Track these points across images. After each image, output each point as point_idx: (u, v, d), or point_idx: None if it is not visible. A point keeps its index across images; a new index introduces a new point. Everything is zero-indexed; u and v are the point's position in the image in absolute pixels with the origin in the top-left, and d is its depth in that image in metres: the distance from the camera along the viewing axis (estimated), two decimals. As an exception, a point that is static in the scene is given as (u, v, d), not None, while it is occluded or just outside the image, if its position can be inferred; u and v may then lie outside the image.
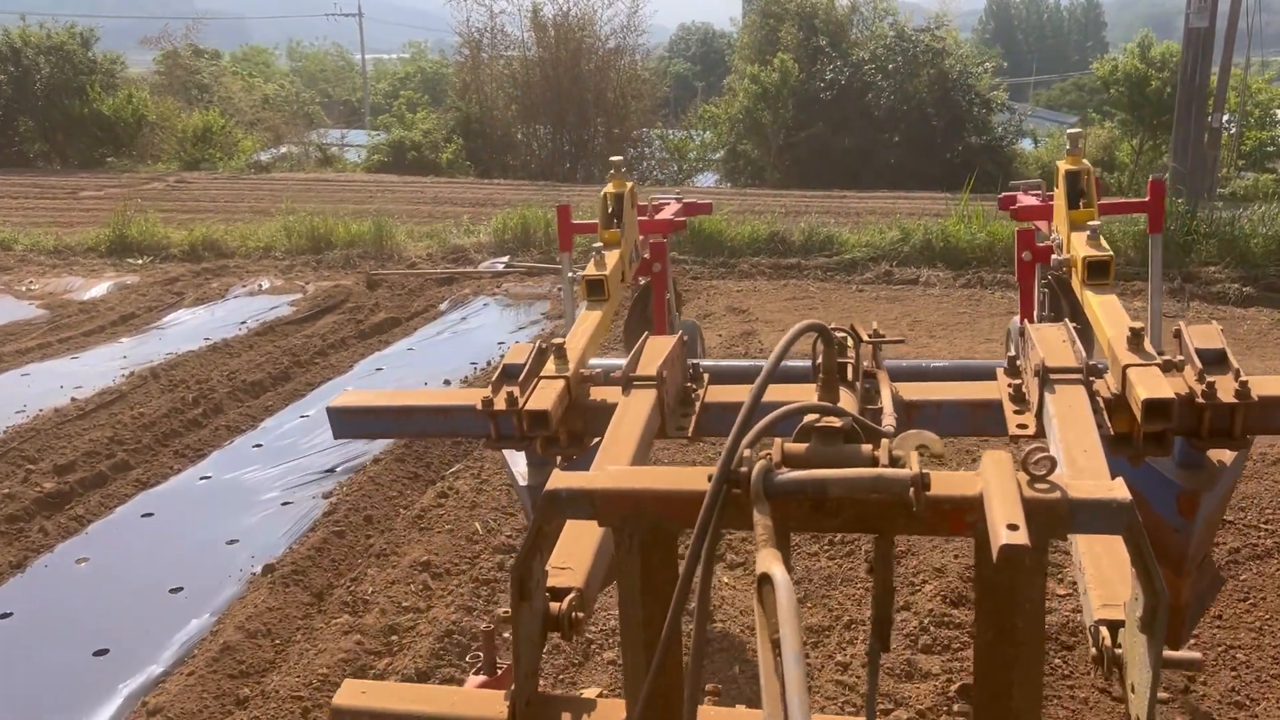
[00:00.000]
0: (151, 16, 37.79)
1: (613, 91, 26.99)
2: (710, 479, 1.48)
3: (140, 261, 13.06)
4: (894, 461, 1.52)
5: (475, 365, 8.33)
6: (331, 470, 6.14)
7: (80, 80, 26.68)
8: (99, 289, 11.58)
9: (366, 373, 8.29)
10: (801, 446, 1.60)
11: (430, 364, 8.55)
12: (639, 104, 27.67)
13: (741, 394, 2.85)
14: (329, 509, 5.56)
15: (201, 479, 6.14)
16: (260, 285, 11.62)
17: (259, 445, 6.65)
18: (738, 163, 26.92)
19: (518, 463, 3.27)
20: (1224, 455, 2.78)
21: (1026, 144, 27.19)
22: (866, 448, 1.59)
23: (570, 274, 4.58)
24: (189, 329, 9.78)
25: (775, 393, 2.07)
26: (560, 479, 1.61)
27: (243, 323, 9.83)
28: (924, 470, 1.42)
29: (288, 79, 45.31)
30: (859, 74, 25.51)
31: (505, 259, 12.31)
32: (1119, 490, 1.43)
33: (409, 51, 49.12)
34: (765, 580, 1.30)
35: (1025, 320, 4.25)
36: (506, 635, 1.71)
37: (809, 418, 1.64)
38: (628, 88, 27.32)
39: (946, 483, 1.47)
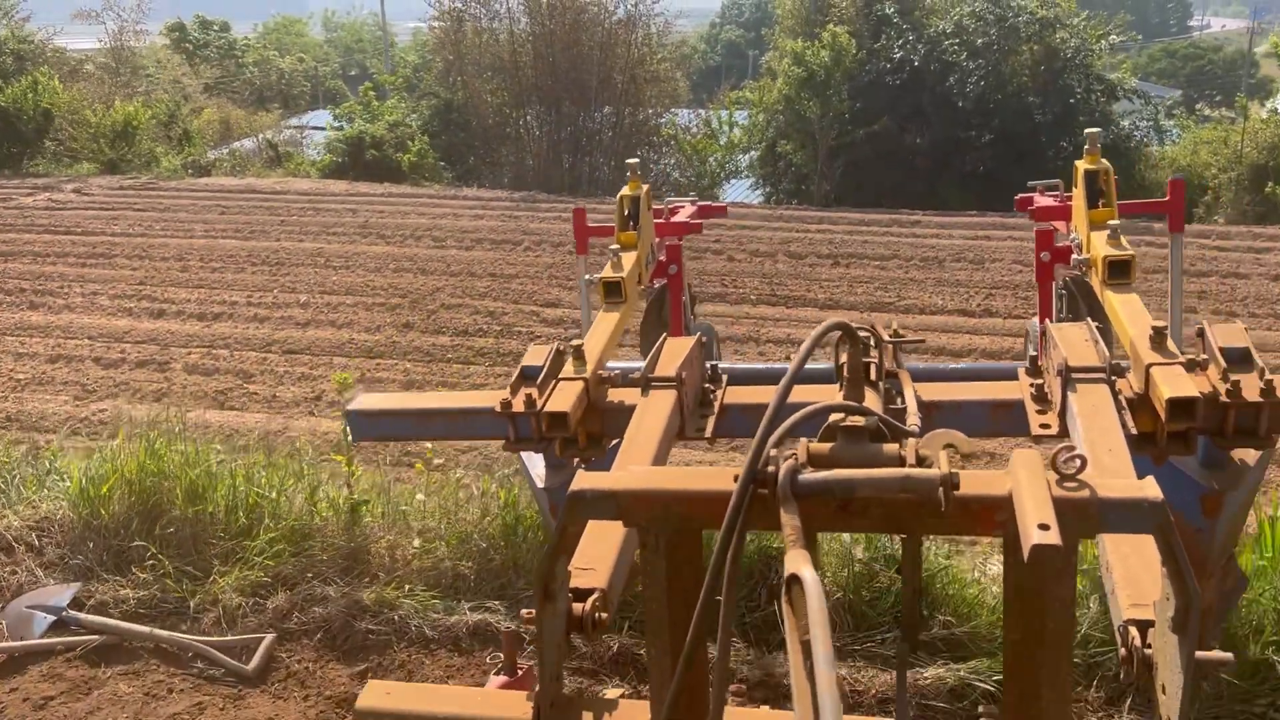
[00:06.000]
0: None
1: (622, 73, 22.01)
2: (736, 479, 1.47)
3: None
4: (921, 461, 1.51)
5: None
6: None
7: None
8: None
9: None
10: (827, 446, 1.59)
11: None
12: (656, 88, 22.59)
13: (761, 396, 2.86)
14: None
15: None
16: None
17: None
18: (776, 167, 21.42)
19: (535, 465, 3.28)
20: (1248, 455, 2.76)
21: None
22: (893, 447, 1.58)
23: (586, 277, 4.59)
24: None
25: (797, 394, 2.06)
26: (585, 480, 1.60)
27: None
28: (953, 470, 1.41)
29: (316, 51, 41.59)
30: (937, 51, 20.03)
31: (73, 590, 4.49)
32: (1150, 489, 1.42)
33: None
34: (794, 581, 1.30)
35: (1045, 321, 4.22)
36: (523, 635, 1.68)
37: (834, 417, 1.63)
38: (640, 69, 22.25)
39: (975, 482, 1.46)
